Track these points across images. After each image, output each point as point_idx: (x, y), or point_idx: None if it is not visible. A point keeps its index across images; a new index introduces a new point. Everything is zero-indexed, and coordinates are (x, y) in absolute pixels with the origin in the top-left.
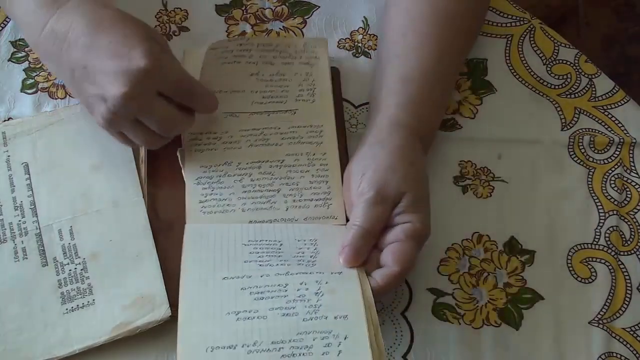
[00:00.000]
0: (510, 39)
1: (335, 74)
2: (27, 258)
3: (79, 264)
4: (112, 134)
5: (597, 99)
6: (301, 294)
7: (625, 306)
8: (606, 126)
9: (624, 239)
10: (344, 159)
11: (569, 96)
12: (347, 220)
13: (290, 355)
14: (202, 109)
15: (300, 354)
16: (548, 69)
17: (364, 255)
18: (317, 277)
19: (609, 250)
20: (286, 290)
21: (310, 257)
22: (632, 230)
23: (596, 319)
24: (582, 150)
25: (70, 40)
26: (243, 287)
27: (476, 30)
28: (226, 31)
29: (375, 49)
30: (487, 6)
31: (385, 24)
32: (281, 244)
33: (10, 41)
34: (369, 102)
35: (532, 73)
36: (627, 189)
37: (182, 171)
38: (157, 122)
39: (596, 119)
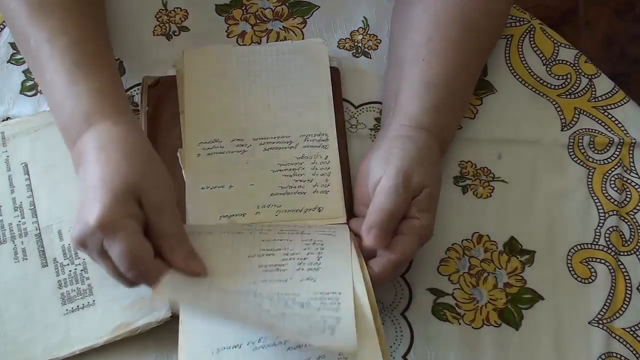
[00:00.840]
0: (510, 39)
1: (335, 74)
2: (27, 259)
3: (79, 264)
4: None
5: (597, 99)
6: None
7: (625, 306)
8: (606, 126)
9: (624, 239)
10: (344, 160)
11: (569, 96)
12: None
13: (296, 347)
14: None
15: (305, 345)
16: (548, 69)
17: (390, 237)
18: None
19: (609, 251)
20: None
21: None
22: (632, 230)
23: (596, 319)
24: (582, 151)
25: (80, 166)
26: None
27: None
28: (226, 31)
29: (376, 49)
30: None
31: (406, 23)
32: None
33: (9, 42)
34: (383, 102)
35: (532, 73)
36: (627, 189)
37: (182, 172)
38: (109, 272)
39: (596, 119)
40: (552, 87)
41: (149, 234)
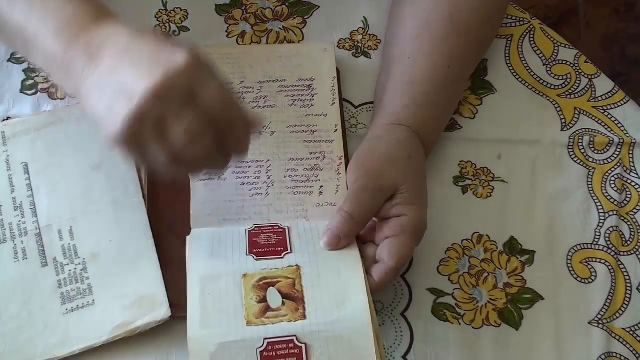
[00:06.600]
0: (510, 39)
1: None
2: (27, 258)
3: (79, 264)
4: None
5: (597, 100)
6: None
7: (625, 306)
8: (606, 126)
9: (624, 239)
10: (345, 161)
11: (569, 96)
12: None
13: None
14: (234, 146)
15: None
16: (548, 69)
17: (347, 240)
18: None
19: (609, 251)
20: None
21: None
22: (632, 230)
23: (596, 319)
24: (582, 151)
25: (108, 44)
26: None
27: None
28: (226, 31)
29: (376, 49)
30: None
31: (397, 22)
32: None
33: None
34: (373, 102)
35: (532, 73)
36: (627, 189)
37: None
38: (183, 137)
39: (596, 119)
40: (552, 87)
41: None
